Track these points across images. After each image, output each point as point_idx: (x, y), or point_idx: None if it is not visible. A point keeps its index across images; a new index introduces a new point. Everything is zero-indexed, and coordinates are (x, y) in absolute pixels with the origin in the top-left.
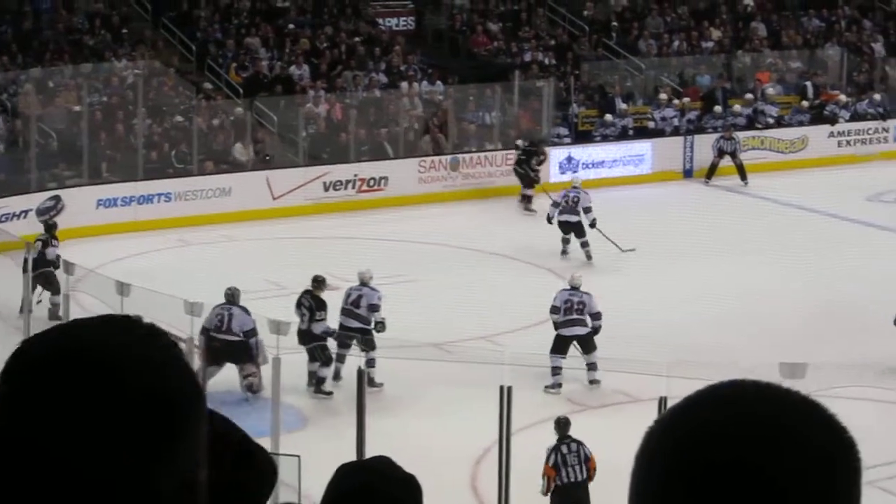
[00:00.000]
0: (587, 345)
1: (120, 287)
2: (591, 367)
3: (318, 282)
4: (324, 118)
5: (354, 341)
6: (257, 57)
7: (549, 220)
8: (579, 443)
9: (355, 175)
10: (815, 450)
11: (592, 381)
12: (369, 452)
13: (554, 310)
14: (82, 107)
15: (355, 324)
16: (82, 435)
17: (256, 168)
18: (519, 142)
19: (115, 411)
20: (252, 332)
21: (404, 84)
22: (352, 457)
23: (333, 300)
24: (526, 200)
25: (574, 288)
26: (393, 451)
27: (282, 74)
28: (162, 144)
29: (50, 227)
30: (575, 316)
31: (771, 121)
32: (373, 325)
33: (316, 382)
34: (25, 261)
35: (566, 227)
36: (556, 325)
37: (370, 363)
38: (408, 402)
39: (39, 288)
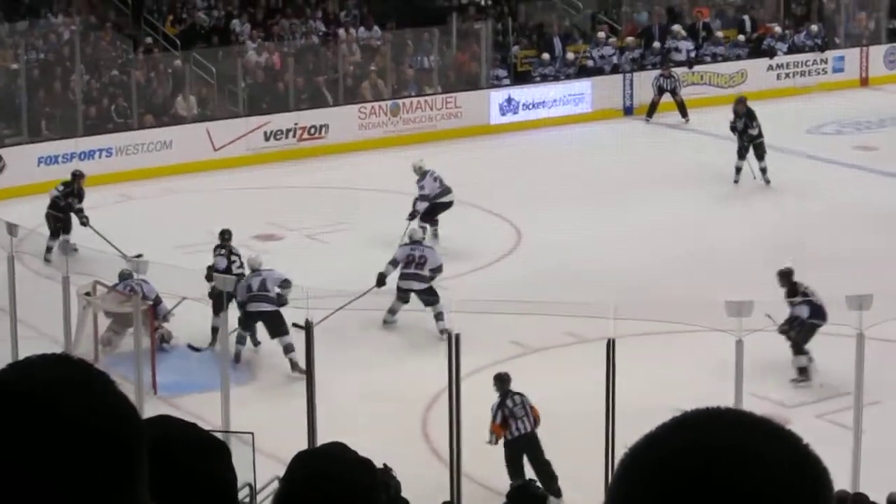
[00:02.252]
0: (428, 298)
1: (64, 246)
2: (439, 317)
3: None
4: (263, 68)
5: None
6: (194, 8)
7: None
8: (521, 395)
9: (296, 124)
10: (784, 477)
11: (443, 331)
12: (319, 405)
13: (393, 262)
14: (19, 64)
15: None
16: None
17: (196, 120)
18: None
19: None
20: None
21: (341, 31)
22: (302, 411)
23: (273, 251)
24: None
25: (415, 242)
26: (342, 401)
27: (218, 25)
28: (101, 100)
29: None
30: (413, 270)
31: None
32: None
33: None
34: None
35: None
36: (398, 278)
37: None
38: (354, 353)
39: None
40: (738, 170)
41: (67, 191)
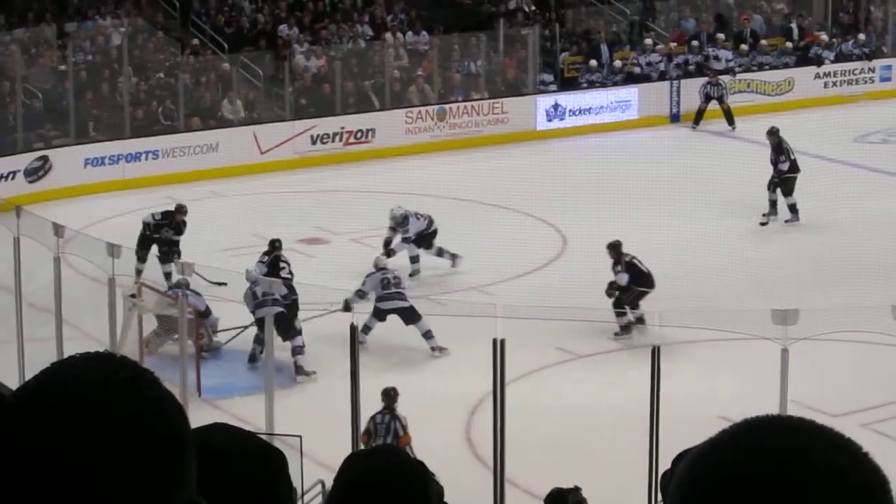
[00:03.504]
0: (411, 317)
1: (110, 249)
2: (427, 335)
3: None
4: (311, 73)
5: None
6: (244, 12)
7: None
8: (396, 417)
9: (342, 128)
10: (852, 484)
11: (434, 349)
12: (363, 408)
13: (360, 294)
14: (67, 66)
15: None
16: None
17: (243, 123)
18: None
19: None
20: None
21: (389, 35)
22: (346, 415)
23: (319, 255)
24: None
25: (382, 269)
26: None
27: (266, 29)
28: (148, 102)
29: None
30: (393, 290)
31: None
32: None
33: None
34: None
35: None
36: (376, 300)
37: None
38: (399, 357)
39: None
40: (771, 203)
41: (163, 222)
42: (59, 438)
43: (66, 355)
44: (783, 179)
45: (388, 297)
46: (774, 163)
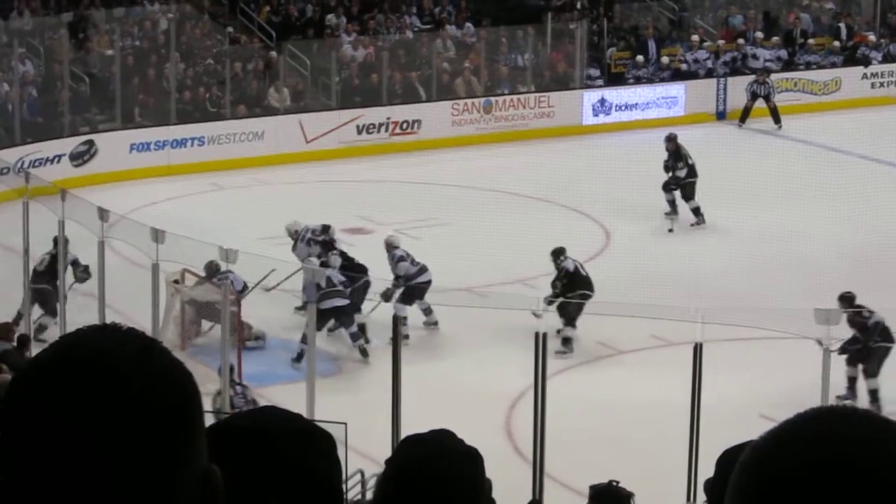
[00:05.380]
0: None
1: (154, 234)
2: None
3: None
4: (358, 62)
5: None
6: (290, 1)
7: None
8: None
9: (388, 118)
10: None
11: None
12: (405, 398)
13: (404, 278)
14: (115, 51)
15: None
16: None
17: (290, 112)
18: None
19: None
20: None
21: (439, 27)
22: (387, 404)
23: (362, 245)
24: None
25: (396, 247)
26: (427, 395)
27: (314, 18)
28: (195, 88)
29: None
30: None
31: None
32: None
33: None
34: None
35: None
36: (409, 278)
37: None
38: (442, 348)
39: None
40: (670, 203)
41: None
42: (71, 408)
43: None
44: (682, 185)
45: (419, 273)
46: (672, 168)
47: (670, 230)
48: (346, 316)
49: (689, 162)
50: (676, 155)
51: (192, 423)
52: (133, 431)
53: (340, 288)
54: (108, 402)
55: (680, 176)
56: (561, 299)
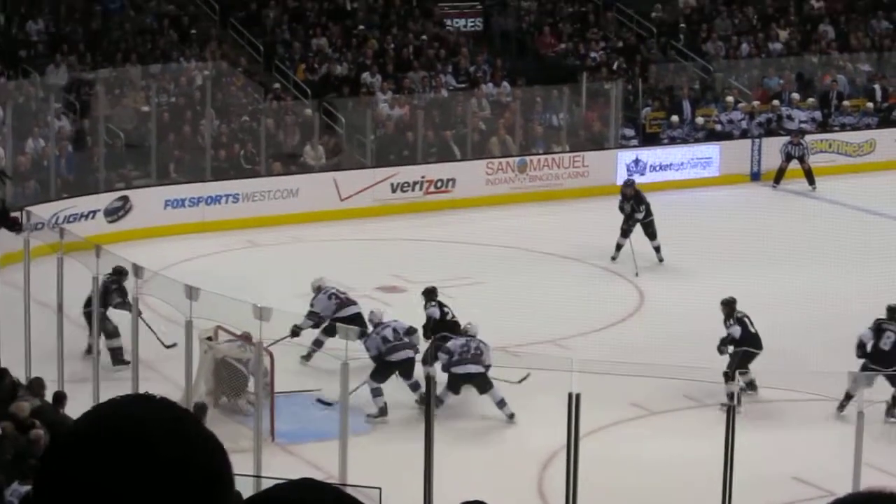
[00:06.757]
0: (484, 385)
1: (188, 291)
2: (501, 404)
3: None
4: (393, 121)
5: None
6: (328, 58)
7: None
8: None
9: (423, 177)
10: None
11: (511, 416)
12: (437, 457)
13: (448, 354)
14: (150, 107)
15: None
16: None
17: (324, 169)
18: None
19: (171, 491)
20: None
21: (475, 87)
22: (420, 463)
23: (396, 304)
24: None
25: (471, 336)
26: (460, 454)
27: (350, 76)
28: (230, 145)
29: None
30: (470, 357)
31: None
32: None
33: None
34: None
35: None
36: (449, 365)
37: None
38: (474, 407)
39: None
40: (619, 247)
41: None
42: (105, 477)
43: None
44: (644, 224)
45: (460, 363)
46: (630, 213)
47: (636, 274)
48: (411, 367)
49: (647, 202)
50: (637, 199)
51: (222, 494)
52: (164, 501)
53: (406, 340)
54: (141, 471)
55: (638, 218)
56: None
